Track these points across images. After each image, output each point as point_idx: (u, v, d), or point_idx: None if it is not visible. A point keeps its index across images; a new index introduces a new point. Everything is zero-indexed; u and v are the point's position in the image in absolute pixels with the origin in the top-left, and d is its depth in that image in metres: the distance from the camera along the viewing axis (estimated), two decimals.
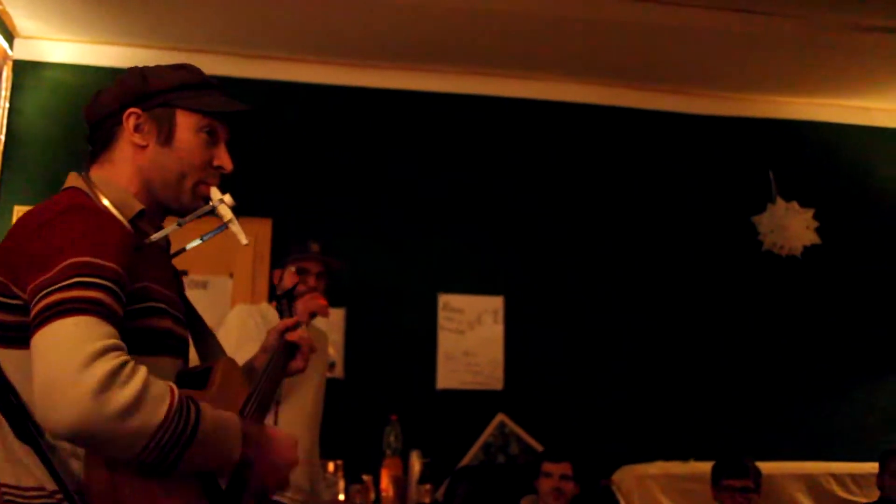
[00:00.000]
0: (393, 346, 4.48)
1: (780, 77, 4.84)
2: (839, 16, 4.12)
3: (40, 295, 1.23)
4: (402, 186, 4.66)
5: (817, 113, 5.17)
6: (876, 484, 3.84)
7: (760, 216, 4.96)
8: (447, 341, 4.53)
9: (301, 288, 3.17)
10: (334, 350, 4.26)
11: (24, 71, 4.35)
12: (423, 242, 4.62)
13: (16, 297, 1.31)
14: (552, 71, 4.80)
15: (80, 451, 1.30)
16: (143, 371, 1.22)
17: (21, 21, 4.21)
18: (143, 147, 1.52)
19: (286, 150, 4.56)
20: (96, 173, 1.53)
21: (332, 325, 4.30)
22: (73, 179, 1.50)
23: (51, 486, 1.31)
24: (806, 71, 4.75)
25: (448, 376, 4.50)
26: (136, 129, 1.51)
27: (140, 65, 1.61)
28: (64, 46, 4.40)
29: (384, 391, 4.38)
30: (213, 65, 4.27)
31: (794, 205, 4.99)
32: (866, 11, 4.08)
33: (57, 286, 1.23)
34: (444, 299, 4.57)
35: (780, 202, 4.98)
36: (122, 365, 1.19)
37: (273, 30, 4.33)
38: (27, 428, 1.29)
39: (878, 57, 4.53)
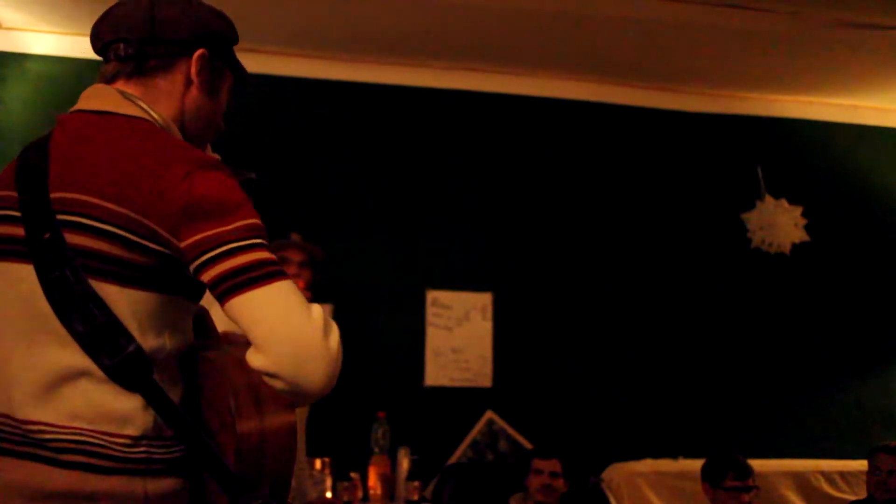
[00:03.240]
0: (381, 342, 4.44)
1: (768, 74, 4.83)
2: (829, 12, 4.11)
3: (224, 250, 1.24)
4: (390, 182, 4.62)
5: (806, 111, 5.17)
6: (865, 481, 3.84)
7: (749, 213, 4.96)
8: (435, 338, 4.51)
9: None
10: None
11: (8, 63, 4.29)
12: (411, 238, 4.59)
13: (149, 238, 1.27)
14: (542, 67, 4.77)
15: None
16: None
17: (4, 12, 4.15)
18: (194, 88, 1.48)
19: (272, 145, 4.52)
20: (136, 93, 1.44)
21: None
22: (126, 105, 1.40)
23: (168, 430, 1.30)
24: (795, 68, 4.75)
25: (436, 373, 4.48)
26: (199, 71, 1.46)
27: None
28: (48, 38, 4.34)
29: (372, 388, 4.34)
30: None
31: (783, 202, 4.99)
32: (856, 8, 4.07)
33: (243, 244, 1.25)
34: (433, 295, 4.54)
35: (768, 199, 4.97)
36: (327, 318, 1.26)
37: (262, 24, 4.29)
38: (140, 373, 1.27)
39: (866, 55, 4.53)
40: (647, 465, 4.34)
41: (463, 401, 4.47)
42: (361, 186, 4.59)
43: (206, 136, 1.54)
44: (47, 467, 1.26)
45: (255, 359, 1.21)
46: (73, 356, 1.26)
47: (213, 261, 1.25)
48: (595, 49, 4.54)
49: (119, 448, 1.27)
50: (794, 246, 4.95)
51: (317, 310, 1.25)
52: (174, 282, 1.33)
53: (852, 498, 4.19)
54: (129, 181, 1.28)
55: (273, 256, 1.27)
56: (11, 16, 4.19)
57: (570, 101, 4.89)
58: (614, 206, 4.84)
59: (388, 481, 4.09)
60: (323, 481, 3.98)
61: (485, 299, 4.60)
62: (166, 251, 1.29)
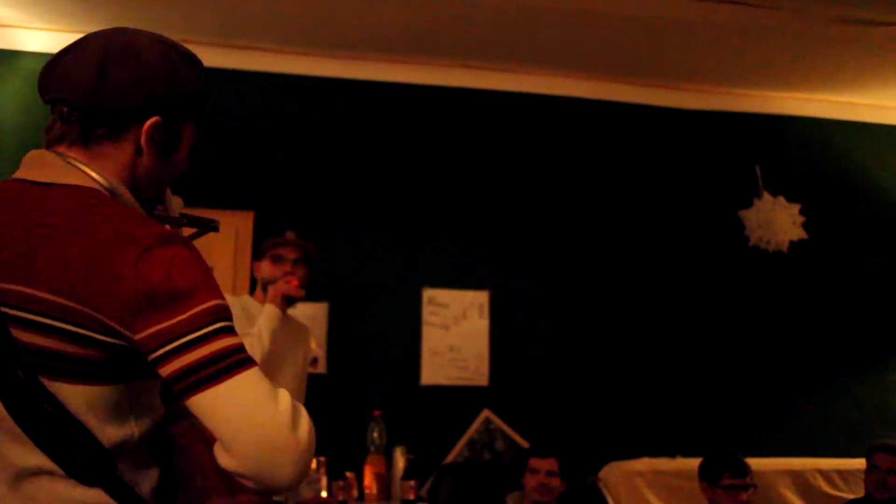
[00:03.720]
0: (377, 341, 4.42)
1: (766, 71, 4.82)
2: (827, 9, 4.09)
3: (179, 343, 1.16)
4: (387, 179, 4.60)
5: (804, 108, 5.15)
6: (863, 479, 3.83)
7: (747, 211, 4.94)
8: (432, 336, 4.49)
9: (276, 274, 3.18)
10: (317, 345, 4.21)
11: (1, 60, 4.27)
12: (408, 236, 4.57)
13: (101, 332, 1.19)
14: (540, 64, 4.75)
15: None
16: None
17: None
18: (146, 157, 1.35)
19: (269, 143, 4.50)
20: (82, 159, 1.32)
21: (315, 320, 4.25)
22: (71, 174, 1.29)
23: None
24: (793, 65, 4.73)
25: (433, 372, 4.46)
26: (151, 139, 1.33)
27: None
28: (42, 35, 4.32)
29: (368, 387, 4.33)
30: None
31: (781, 200, 4.97)
32: (854, 4, 4.05)
33: (200, 334, 1.17)
34: (429, 294, 4.52)
35: (766, 197, 4.96)
36: (295, 405, 1.20)
37: (257, 21, 4.27)
38: (98, 467, 1.22)
39: (865, 51, 4.51)
40: (644, 463, 4.32)
41: (459, 399, 4.44)
42: (358, 184, 4.56)
43: (163, 188, 1.43)
44: None
45: (222, 459, 1.16)
46: (32, 455, 1.22)
47: (169, 356, 1.17)
48: (592, 46, 4.52)
49: None
50: (792, 244, 4.94)
51: (283, 400, 1.18)
52: (134, 369, 1.25)
53: (850, 496, 4.18)
54: (75, 270, 1.18)
55: (235, 342, 1.19)
56: (5, 13, 4.16)
57: (568, 98, 4.88)
58: (612, 204, 4.83)
59: (384, 480, 4.08)
60: (318, 480, 3.96)
61: (481, 297, 4.58)
62: (122, 343, 1.20)
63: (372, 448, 4.10)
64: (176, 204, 1.46)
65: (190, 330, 1.17)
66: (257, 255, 3.43)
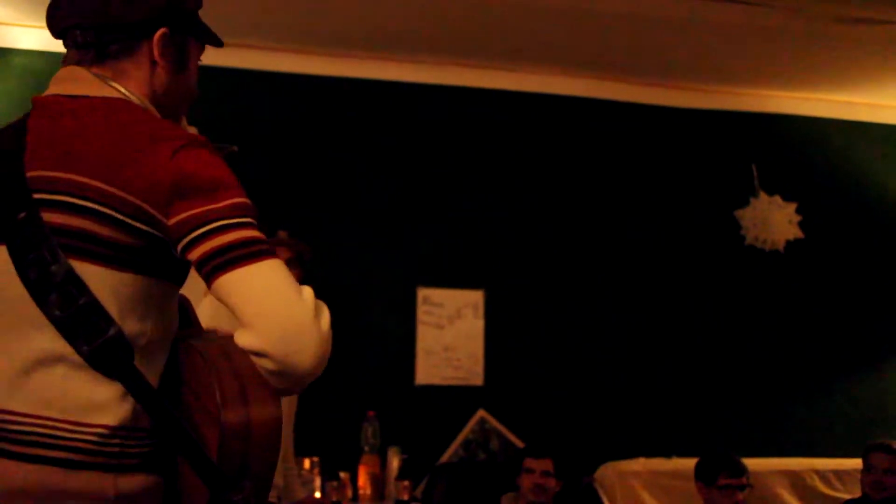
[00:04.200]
0: (371, 340, 4.40)
1: (763, 71, 4.80)
2: (823, 7, 4.08)
3: (212, 227, 1.21)
4: (381, 178, 4.58)
5: (800, 107, 5.13)
6: (860, 480, 3.82)
7: (743, 210, 4.93)
8: (426, 336, 4.47)
9: None
10: None
11: None
12: (402, 235, 4.55)
13: (135, 216, 1.24)
14: (536, 63, 4.73)
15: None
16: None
17: None
18: (160, 69, 1.42)
19: (260, 141, 4.47)
20: (106, 75, 1.40)
21: None
22: (101, 87, 1.36)
23: (144, 422, 1.26)
24: (790, 64, 4.72)
25: (427, 371, 4.44)
26: (163, 51, 1.40)
27: None
28: (34, 33, 4.28)
29: (362, 386, 4.31)
30: None
31: (777, 199, 4.96)
32: (851, 3, 4.04)
33: (232, 222, 1.22)
34: (424, 293, 4.50)
35: (762, 196, 4.95)
36: (317, 300, 1.23)
37: (250, 18, 4.24)
38: (121, 359, 1.22)
39: (862, 50, 4.50)
40: (640, 464, 4.31)
41: (454, 399, 4.43)
42: (351, 182, 4.54)
43: (181, 110, 1.51)
44: (9, 462, 1.20)
45: (243, 337, 1.18)
46: (50, 340, 1.22)
47: (201, 238, 1.21)
48: (588, 44, 4.51)
49: (91, 441, 1.22)
50: (789, 243, 4.93)
51: (308, 290, 1.22)
52: (160, 264, 1.29)
53: (847, 497, 4.17)
54: (114, 158, 1.25)
55: (262, 235, 1.24)
56: None
57: (564, 96, 4.85)
58: (608, 203, 4.81)
59: (378, 481, 4.06)
60: (312, 481, 3.94)
61: (476, 297, 4.56)
62: (153, 231, 1.25)
63: (366, 448, 4.08)
64: (192, 133, 1.50)
65: (222, 216, 1.22)
66: None
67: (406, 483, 4.07)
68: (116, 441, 1.23)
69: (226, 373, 1.24)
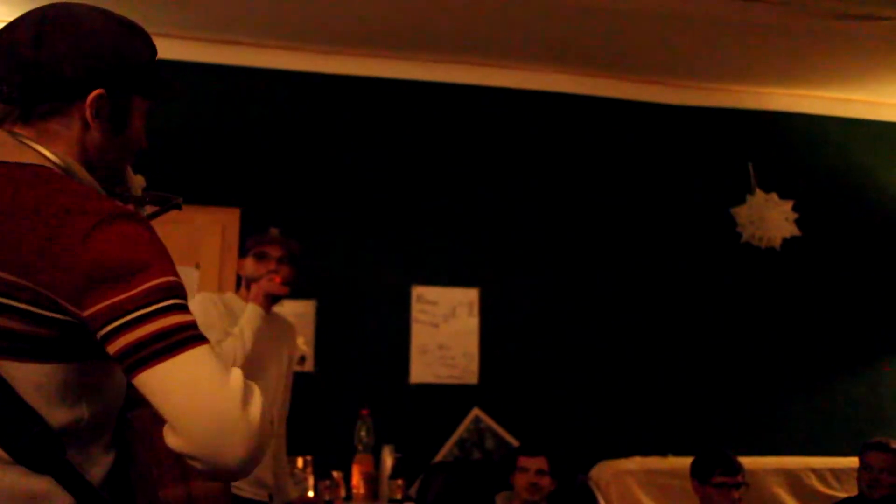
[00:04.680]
0: (365, 339, 4.38)
1: (759, 67, 4.78)
2: (820, 3, 4.06)
3: (127, 320, 1.12)
4: (375, 176, 4.56)
5: (797, 104, 5.12)
6: (856, 478, 3.80)
7: (739, 208, 4.91)
8: (421, 334, 4.44)
9: (260, 271, 3.13)
10: (304, 343, 4.17)
11: None
12: (397, 233, 4.52)
13: (49, 308, 1.15)
14: (529, 60, 4.71)
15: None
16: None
17: None
18: (94, 132, 1.30)
19: (256, 139, 4.46)
20: (29, 136, 1.28)
21: (302, 318, 4.20)
22: (19, 151, 1.24)
23: None
24: (786, 62, 4.70)
25: (422, 370, 4.41)
26: (96, 113, 1.28)
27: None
28: None
29: (356, 385, 4.29)
30: (178, 50, 4.17)
31: (774, 196, 4.94)
32: None
33: (149, 310, 1.13)
34: (418, 291, 4.48)
35: (759, 194, 4.93)
36: (247, 384, 1.16)
37: (240, 14, 4.22)
38: (49, 455, 1.17)
39: (858, 47, 4.48)
40: (635, 462, 4.30)
41: (449, 398, 4.40)
42: (346, 180, 4.52)
43: (121, 167, 1.39)
44: None
45: (170, 439, 1.12)
46: None
47: (115, 332, 1.12)
48: (583, 42, 4.49)
49: None
50: (785, 241, 4.91)
51: (235, 377, 1.14)
52: (85, 347, 1.20)
53: (843, 495, 4.15)
54: (22, 245, 1.15)
55: (186, 319, 1.15)
56: None
57: (559, 94, 4.84)
58: (603, 201, 4.79)
59: (372, 480, 4.04)
60: (304, 480, 3.92)
61: (471, 295, 4.53)
62: (71, 319, 1.17)
63: (360, 447, 4.07)
64: (138, 183, 1.42)
65: (138, 306, 1.13)
66: (242, 252, 3.39)
67: (400, 482, 4.04)
68: None
69: (164, 449, 1.19)
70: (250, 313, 3.05)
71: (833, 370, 4.86)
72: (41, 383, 1.19)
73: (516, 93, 4.79)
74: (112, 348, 1.13)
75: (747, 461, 3.63)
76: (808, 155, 5.10)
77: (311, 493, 3.92)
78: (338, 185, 4.50)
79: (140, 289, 1.13)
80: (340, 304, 4.38)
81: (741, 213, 4.90)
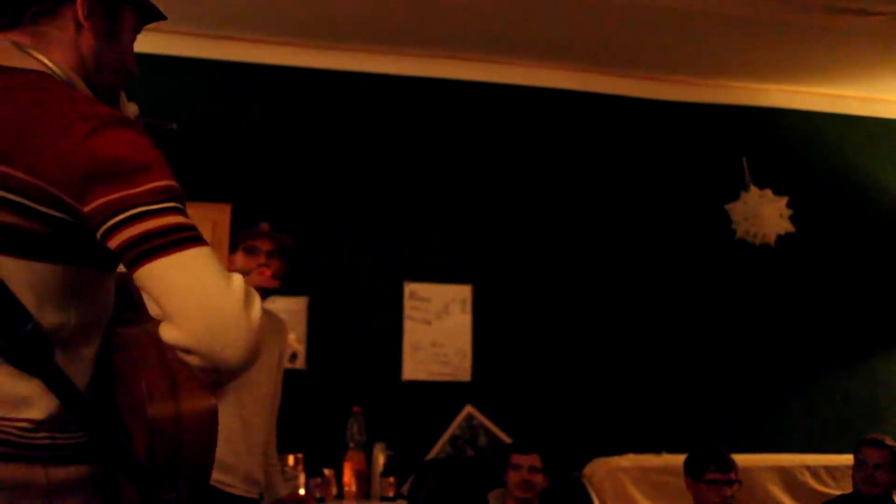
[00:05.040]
0: (357, 335, 4.35)
1: (754, 63, 4.77)
2: None
3: (131, 214, 1.13)
4: (367, 171, 4.53)
5: (792, 100, 5.11)
6: (851, 475, 3.78)
7: (734, 204, 4.89)
8: (414, 331, 4.42)
9: (250, 265, 3.09)
10: (296, 340, 4.14)
11: None
12: (389, 229, 4.50)
13: (50, 205, 1.16)
14: (524, 56, 4.70)
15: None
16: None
17: None
18: (88, 33, 1.33)
19: (247, 135, 4.43)
20: (27, 42, 1.31)
21: (294, 314, 4.18)
22: (19, 57, 1.26)
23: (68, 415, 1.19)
24: (781, 57, 4.69)
25: (414, 367, 4.39)
26: (89, 13, 1.31)
27: None
28: None
29: (348, 382, 4.27)
30: (173, 45, 4.14)
31: (768, 193, 4.93)
32: None
33: (153, 208, 1.14)
34: (411, 288, 4.45)
35: (753, 190, 4.92)
36: (248, 289, 1.16)
37: (235, 10, 4.19)
38: (39, 355, 1.14)
39: (853, 43, 4.47)
40: (629, 460, 4.29)
41: (441, 395, 4.38)
42: (338, 176, 4.49)
43: (116, 84, 1.40)
44: None
45: (167, 332, 1.11)
46: None
47: (119, 226, 1.13)
48: (579, 38, 4.48)
49: (18, 433, 1.18)
50: (780, 237, 4.90)
51: (237, 279, 1.14)
52: (81, 251, 1.22)
53: (838, 493, 4.14)
54: (25, 142, 1.16)
55: (189, 221, 1.16)
56: None
57: (554, 89, 4.82)
58: (597, 197, 4.77)
59: (364, 478, 4.03)
60: (295, 478, 3.89)
61: (464, 292, 4.51)
62: (70, 219, 1.18)
63: (351, 444, 4.05)
64: (132, 111, 1.43)
65: (143, 202, 1.14)
66: (232, 247, 3.35)
67: (392, 480, 4.03)
68: (43, 434, 1.20)
69: (154, 364, 1.18)
70: None
71: (828, 367, 4.85)
72: (32, 281, 1.19)
73: (509, 89, 4.77)
74: (114, 242, 1.14)
75: (742, 458, 3.61)
76: (803, 151, 5.09)
77: (302, 491, 3.89)
78: (330, 181, 4.47)
79: (143, 188, 1.15)
80: (332, 301, 4.35)
81: (736, 209, 4.89)
